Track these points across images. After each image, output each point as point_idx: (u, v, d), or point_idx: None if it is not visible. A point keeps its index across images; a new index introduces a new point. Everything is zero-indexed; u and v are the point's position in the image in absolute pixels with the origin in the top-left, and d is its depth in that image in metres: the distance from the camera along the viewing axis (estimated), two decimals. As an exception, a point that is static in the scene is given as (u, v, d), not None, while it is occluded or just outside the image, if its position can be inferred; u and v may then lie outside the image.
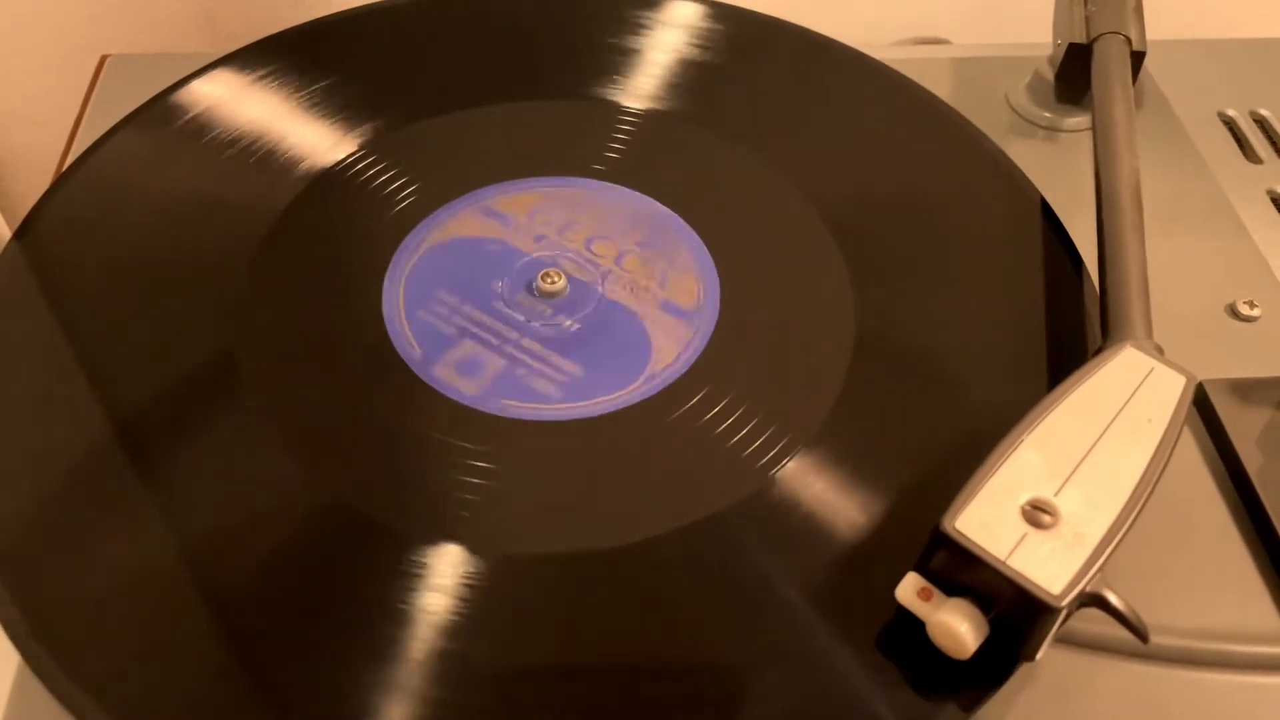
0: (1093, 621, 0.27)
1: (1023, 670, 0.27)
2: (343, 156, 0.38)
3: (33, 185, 0.36)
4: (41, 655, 0.26)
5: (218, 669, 0.26)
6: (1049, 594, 0.24)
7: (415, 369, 0.32)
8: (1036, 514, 0.25)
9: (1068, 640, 0.28)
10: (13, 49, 0.56)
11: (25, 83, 0.56)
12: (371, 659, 0.26)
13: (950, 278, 0.36)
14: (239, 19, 0.55)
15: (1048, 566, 0.24)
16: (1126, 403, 0.28)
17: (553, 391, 0.32)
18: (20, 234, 0.35)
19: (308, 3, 0.53)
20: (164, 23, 0.54)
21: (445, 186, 0.37)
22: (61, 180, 0.37)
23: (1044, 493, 0.26)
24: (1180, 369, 0.29)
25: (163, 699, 0.26)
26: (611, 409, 0.31)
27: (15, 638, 0.27)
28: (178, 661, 0.26)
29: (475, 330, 0.33)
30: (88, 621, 0.27)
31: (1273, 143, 0.44)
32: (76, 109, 0.44)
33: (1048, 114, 0.43)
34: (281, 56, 0.41)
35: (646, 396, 0.32)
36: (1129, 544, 0.29)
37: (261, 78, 0.40)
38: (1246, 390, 0.33)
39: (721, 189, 0.38)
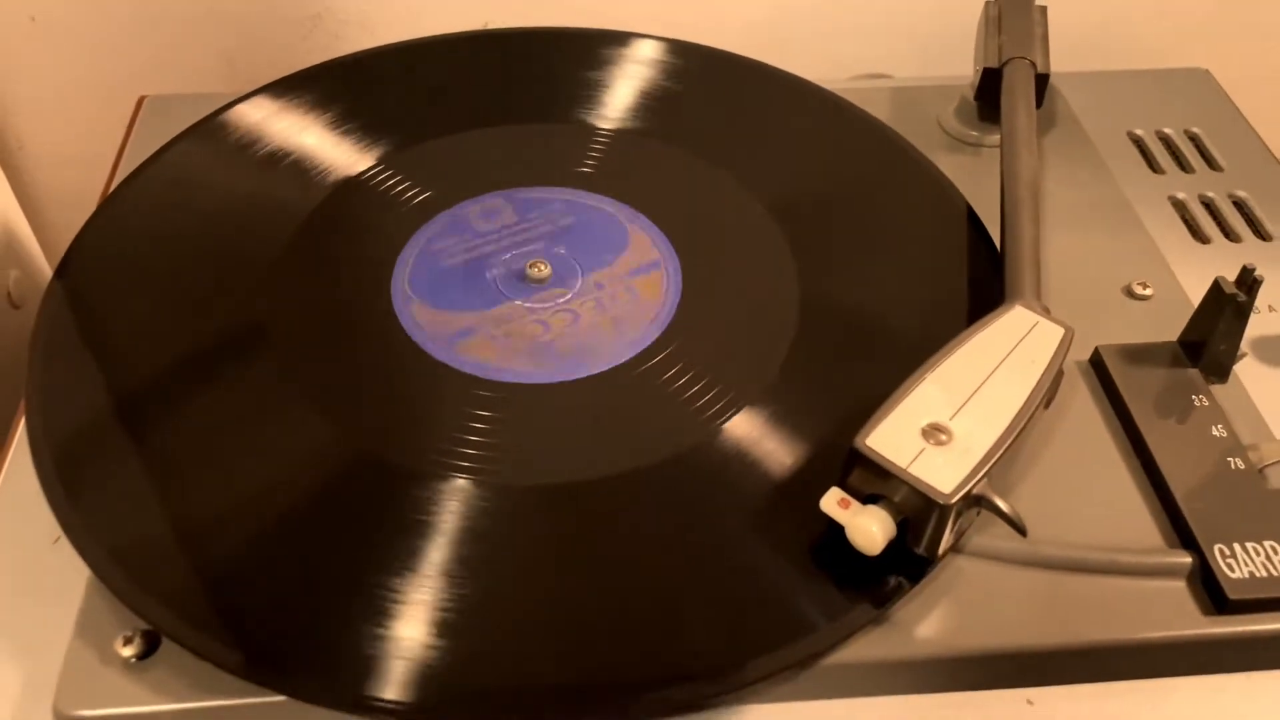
0: (998, 538, 0.33)
1: (939, 580, 0.32)
2: (364, 168, 0.44)
3: (71, 220, 0.41)
4: (118, 575, 0.31)
5: (261, 580, 0.31)
6: (941, 493, 0.29)
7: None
8: (934, 433, 0.30)
9: (977, 554, 0.33)
10: (51, 94, 0.61)
11: (63, 125, 0.62)
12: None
13: (885, 268, 0.41)
14: (257, 63, 0.61)
15: (941, 473, 0.29)
16: (1013, 349, 0.33)
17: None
18: (90, 225, 0.41)
19: (319, 48, 0.59)
20: (191, 67, 0.60)
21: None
22: (129, 181, 0.43)
23: (941, 418, 0.31)
24: (1061, 323, 0.34)
25: (217, 602, 0.31)
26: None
27: (92, 561, 0.31)
28: (228, 573, 0.31)
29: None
30: (157, 543, 0.32)
31: (1174, 156, 0.50)
32: (108, 150, 0.49)
33: (973, 133, 0.49)
34: (309, 88, 0.47)
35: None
36: (1041, 477, 0.35)
37: (290, 105, 0.46)
38: (1135, 354, 0.38)
39: (694, 200, 0.44)
